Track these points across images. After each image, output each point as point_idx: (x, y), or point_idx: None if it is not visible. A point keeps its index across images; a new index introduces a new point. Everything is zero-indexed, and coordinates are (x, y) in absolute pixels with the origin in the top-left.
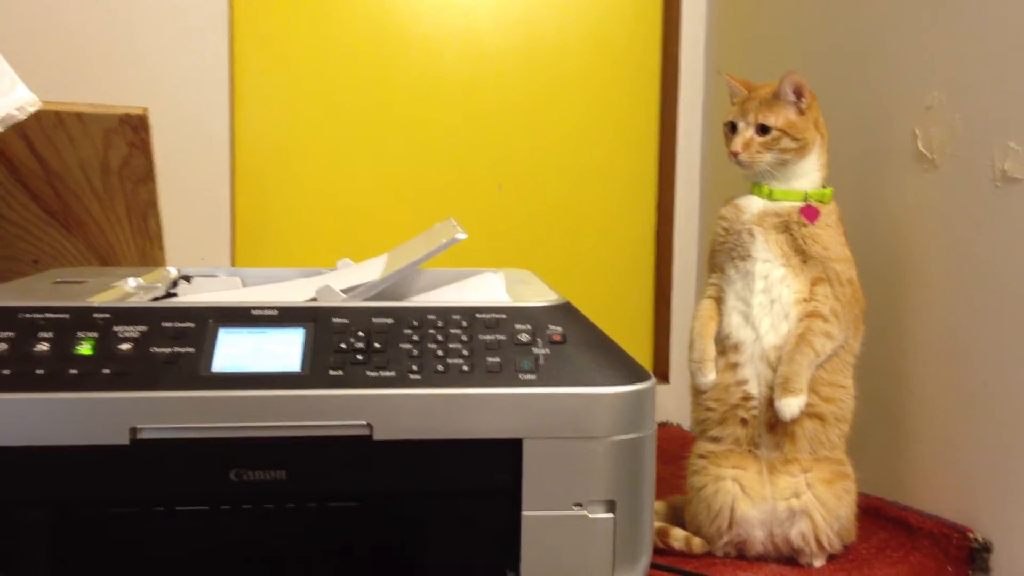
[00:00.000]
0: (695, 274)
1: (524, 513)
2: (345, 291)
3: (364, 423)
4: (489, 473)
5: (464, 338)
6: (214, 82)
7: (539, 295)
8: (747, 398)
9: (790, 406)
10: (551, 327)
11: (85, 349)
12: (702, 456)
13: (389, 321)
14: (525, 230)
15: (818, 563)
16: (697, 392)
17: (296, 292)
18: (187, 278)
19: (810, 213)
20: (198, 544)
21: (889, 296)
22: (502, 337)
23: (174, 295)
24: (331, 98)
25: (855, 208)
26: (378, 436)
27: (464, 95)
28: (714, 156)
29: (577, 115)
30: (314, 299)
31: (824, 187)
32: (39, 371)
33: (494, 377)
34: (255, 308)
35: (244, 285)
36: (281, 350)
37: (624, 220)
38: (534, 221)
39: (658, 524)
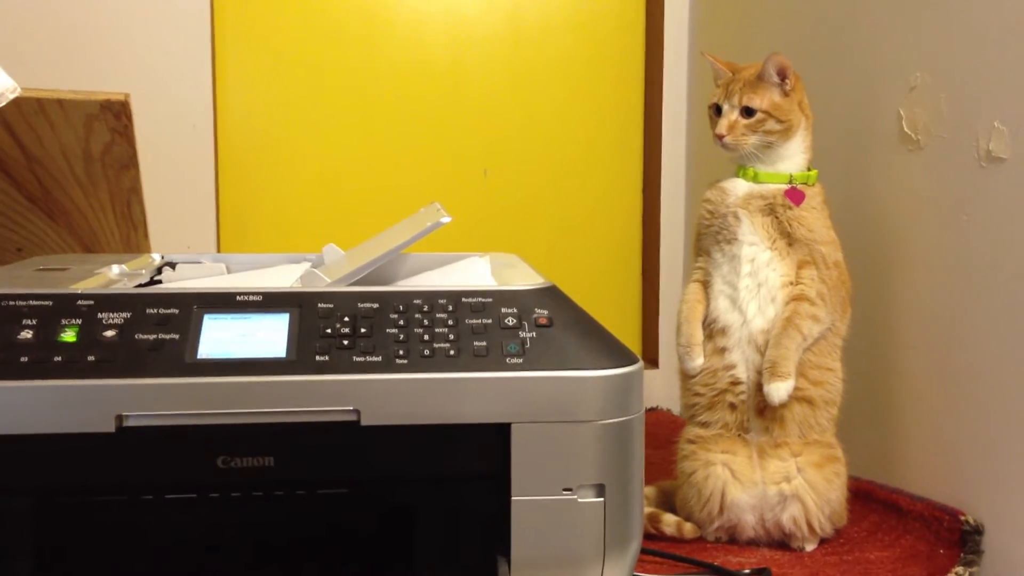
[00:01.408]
0: (682, 258)
1: (513, 498)
2: (330, 276)
3: (351, 408)
4: (478, 458)
5: (450, 322)
6: (196, 67)
7: (525, 279)
8: (735, 383)
9: (779, 390)
10: (537, 310)
11: (69, 336)
12: (692, 441)
13: (375, 306)
14: (511, 215)
15: (810, 547)
16: (686, 377)
17: (281, 278)
18: (171, 265)
19: (795, 196)
20: (186, 532)
21: (876, 278)
22: (488, 321)
23: (158, 282)
24: (315, 84)
25: (841, 190)
26: (366, 421)
27: (449, 80)
28: (699, 139)
29: (562, 99)
30: (299, 284)
31: (809, 169)
32: (23, 359)
33: (481, 361)
34: (240, 294)
35: (229, 271)
36: (266, 336)
37: (610, 204)
38: (520, 206)
39: (649, 509)
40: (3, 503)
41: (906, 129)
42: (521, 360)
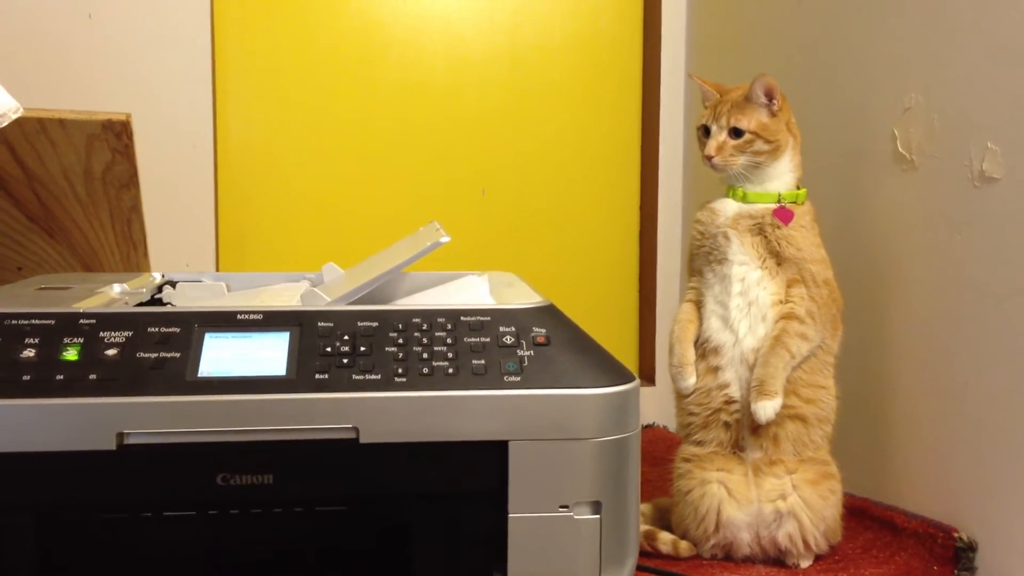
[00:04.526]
0: (679, 277)
1: (510, 515)
2: (330, 295)
3: (350, 426)
4: (475, 475)
5: (449, 340)
6: (197, 87)
7: (523, 297)
8: (729, 401)
9: (765, 409)
10: (535, 329)
11: (71, 355)
12: (687, 459)
13: (374, 324)
14: (509, 234)
15: (805, 564)
16: (680, 396)
17: (281, 296)
18: (172, 283)
19: (784, 215)
20: (186, 549)
21: (869, 296)
22: (487, 339)
23: (159, 300)
24: (314, 103)
25: (836, 209)
26: (364, 439)
27: (447, 100)
28: (696, 159)
29: (560, 119)
30: (299, 303)
31: (798, 188)
32: (26, 377)
33: (479, 379)
34: (240, 312)
35: (229, 290)
36: (267, 354)
37: (608, 223)
38: (518, 225)
39: (645, 527)
40: (5, 520)
41: (900, 149)
42: (519, 378)
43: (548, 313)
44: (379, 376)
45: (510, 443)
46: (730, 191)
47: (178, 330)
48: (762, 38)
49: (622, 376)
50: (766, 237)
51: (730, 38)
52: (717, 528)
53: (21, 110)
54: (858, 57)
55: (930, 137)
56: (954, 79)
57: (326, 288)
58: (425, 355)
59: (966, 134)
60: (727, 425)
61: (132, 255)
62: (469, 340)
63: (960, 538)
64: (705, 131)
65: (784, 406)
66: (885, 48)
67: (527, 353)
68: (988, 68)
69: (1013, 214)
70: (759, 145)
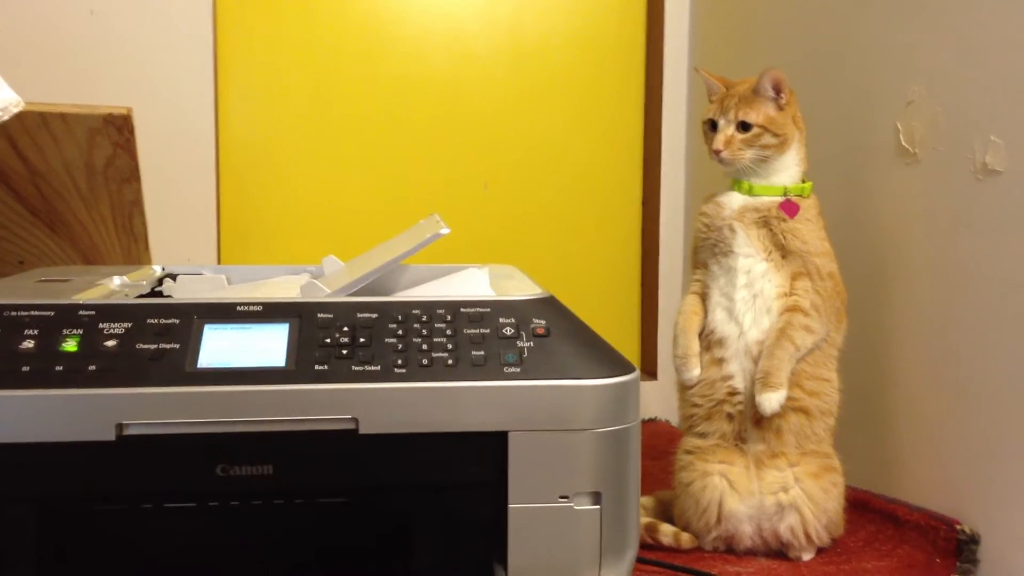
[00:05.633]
0: (681, 270)
1: (510, 506)
2: (330, 287)
3: (350, 417)
4: (475, 466)
5: (448, 332)
6: (199, 81)
7: (523, 289)
8: (733, 393)
9: (770, 400)
10: (535, 320)
11: (70, 346)
12: (689, 451)
13: (374, 316)
14: (511, 228)
15: (807, 556)
16: (683, 388)
17: (281, 289)
18: (172, 276)
19: (789, 208)
20: (186, 540)
21: (873, 289)
22: (486, 331)
23: (159, 293)
24: (316, 97)
25: (839, 203)
26: (364, 430)
27: (450, 94)
28: (698, 152)
29: (562, 114)
30: (299, 295)
31: (803, 181)
32: (25, 368)
33: (479, 370)
34: (240, 304)
35: (229, 283)
36: (266, 345)
37: (610, 217)
38: (520, 219)
39: (647, 520)
40: (5, 511)
41: (903, 143)
42: (518, 369)
43: (547, 304)
44: (378, 367)
45: (509, 434)
46: (736, 184)
47: (177, 321)
48: (765, 33)
49: (621, 367)
50: (772, 230)
51: (733, 32)
52: (719, 520)
53: (23, 104)
54: (861, 50)
55: (933, 130)
56: (957, 72)
57: (326, 280)
58: (424, 346)
59: (969, 127)
60: (730, 417)
61: (133, 249)
62: (469, 331)
63: (963, 531)
64: (712, 125)
65: (788, 398)
66: (888, 41)
67: (526, 344)
68: (991, 61)
69: (1016, 207)
70: (767, 139)
